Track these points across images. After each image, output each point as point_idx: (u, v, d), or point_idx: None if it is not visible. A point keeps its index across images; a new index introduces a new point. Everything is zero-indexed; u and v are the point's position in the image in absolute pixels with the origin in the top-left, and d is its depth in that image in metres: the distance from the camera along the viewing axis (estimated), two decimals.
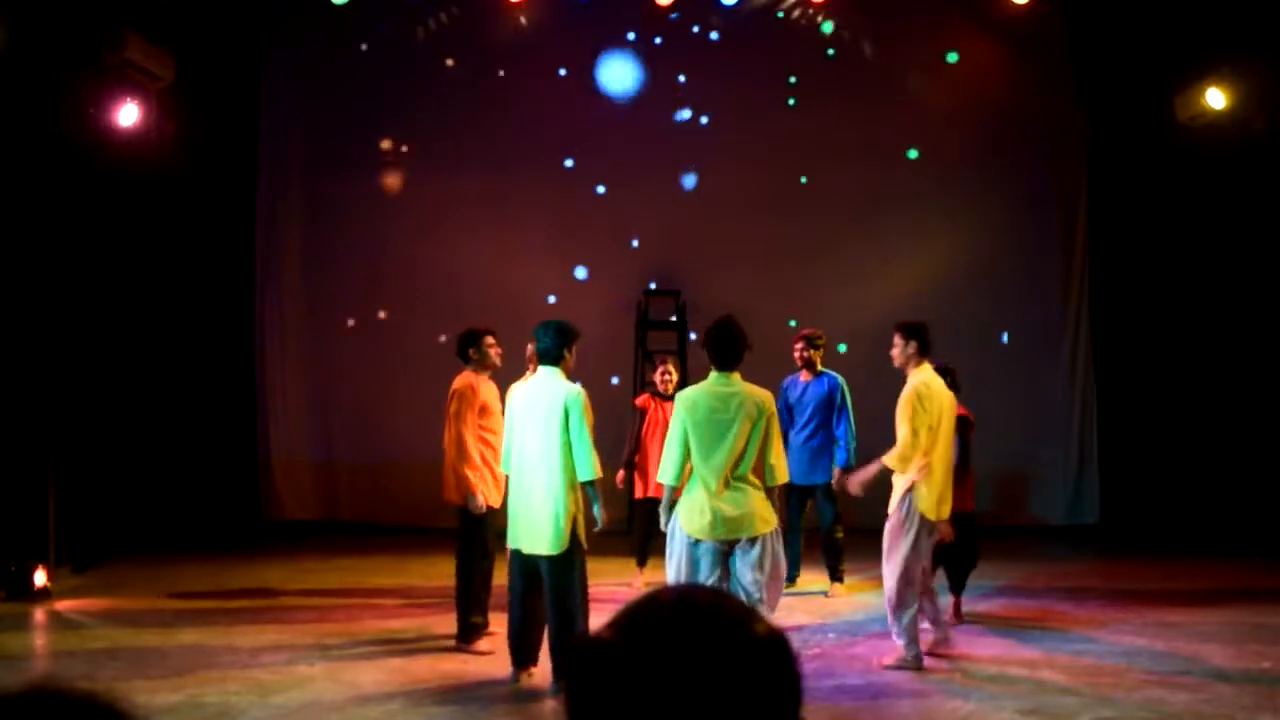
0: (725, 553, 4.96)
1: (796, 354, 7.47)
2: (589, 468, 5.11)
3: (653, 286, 10.39)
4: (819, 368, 7.53)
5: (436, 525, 8.95)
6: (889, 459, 5.49)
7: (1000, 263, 10.39)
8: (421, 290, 10.48)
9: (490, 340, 6.27)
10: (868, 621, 6.72)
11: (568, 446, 5.12)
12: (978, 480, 9.81)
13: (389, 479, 10.34)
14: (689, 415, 4.87)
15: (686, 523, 4.90)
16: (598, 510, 5.21)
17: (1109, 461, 10.27)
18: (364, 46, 10.38)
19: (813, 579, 7.88)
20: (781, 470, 4.95)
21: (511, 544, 5.27)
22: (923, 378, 5.55)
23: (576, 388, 5.20)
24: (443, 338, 10.21)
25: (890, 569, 5.63)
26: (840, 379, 7.51)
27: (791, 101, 10.39)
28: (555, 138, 10.45)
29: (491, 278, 10.37)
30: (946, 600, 6.68)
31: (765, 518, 4.92)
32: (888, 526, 5.64)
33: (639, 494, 7.63)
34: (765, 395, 4.94)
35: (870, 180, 10.37)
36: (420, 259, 10.53)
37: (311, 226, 10.65)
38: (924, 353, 5.61)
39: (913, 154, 10.38)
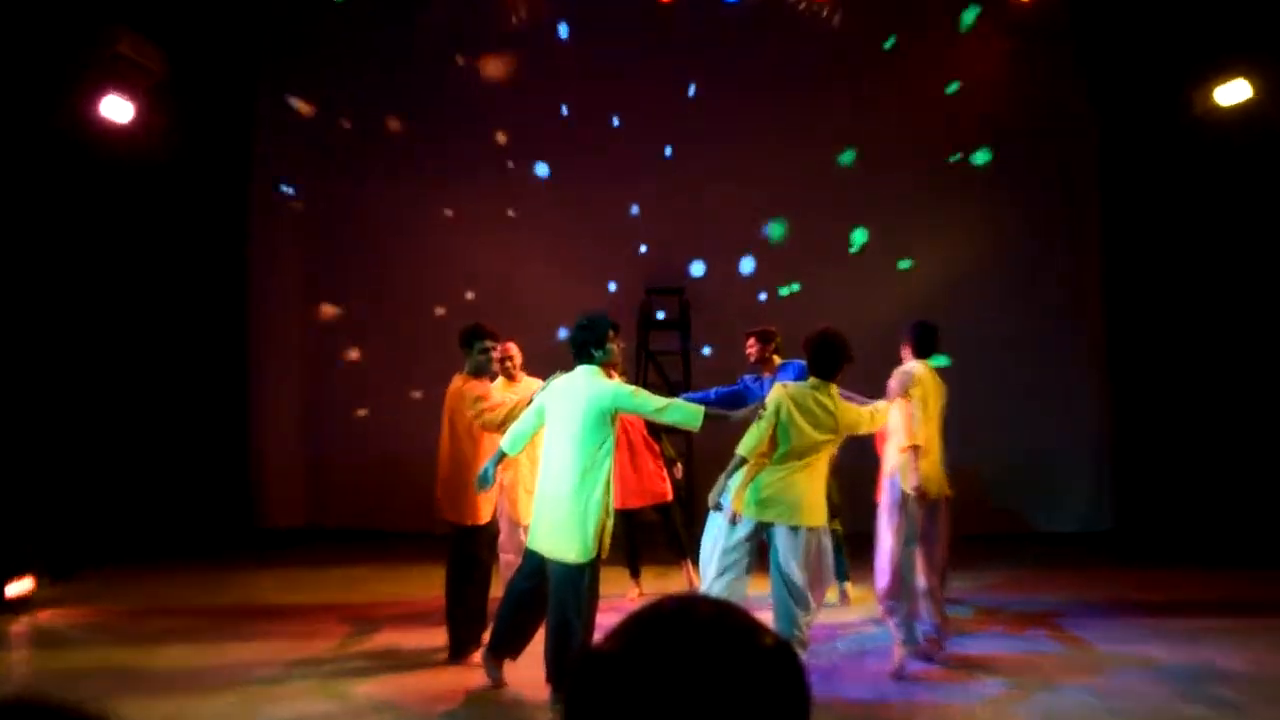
0: (760, 538, 5.17)
1: (751, 353, 7.17)
2: (691, 416, 5.04)
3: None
4: (776, 360, 7.14)
5: (436, 532, 9.04)
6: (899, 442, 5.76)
7: (1010, 259, 10.37)
8: (418, 288, 10.49)
9: (489, 344, 6.13)
10: (880, 633, 6.64)
11: (599, 451, 5.06)
12: (986, 484, 9.90)
13: (385, 484, 10.32)
14: (791, 405, 5.19)
15: (735, 498, 5.13)
16: (744, 411, 5.28)
17: (1124, 466, 10.23)
18: (362, 42, 10.36)
19: None
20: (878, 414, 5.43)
21: (530, 544, 5.23)
22: (909, 365, 6.08)
23: (613, 383, 5.19)
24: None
25: (880, 558, 5.86)
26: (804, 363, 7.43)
27: (796, 96, 10.36)
28: (558, 135, 10.43)
29: (491, 276, 10.36)
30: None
31: (814, 510, 5.15)
32: (879, 514, 5.91)
33: (616, 504, 7.51)
34: (856, 414, 5.32)
35: (878, 176, 10.28)
36: (417, 256, 10.54)
37: (305, 222, 10.67)
38: (916, 353, 6.11)
39: (919, 149, 10.35)
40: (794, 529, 5.10)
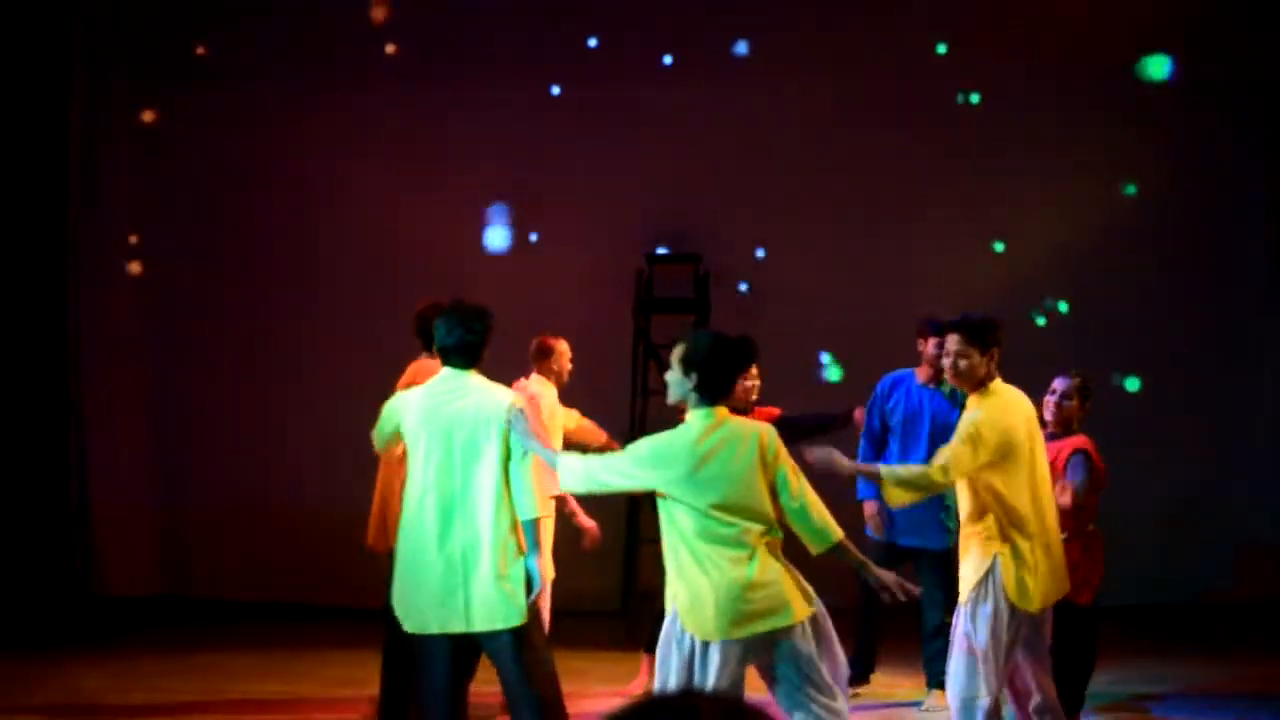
0: (753, 655, 5.18)
1: (932, 354, 7.29)
2: (531, 503, 5.42)
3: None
4: None
5: (341, 603, 9.27)
6: (900, 472, 5.66)
7: (1183, 206, 10.39)
8: (317, 259, 10.57)
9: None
10: None
11: (504, 480, 5.42)
12: (1166, 546, 9.97)
13: (270, 536, 10.37)
14: (679, 469, 5.15)
15: (694, 620, 5.11)
16: (535, 566, 5.47)
17: None
18: None
19: (899, 682, 7.86)
20: (830, 525, 5.25)
21: (421, 626, 5.46)
22: (997, 399, 5.75)
23: (514, 394, 5.58)
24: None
25: (952, 683, 5.77)
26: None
27: None
28: (516, 30, 10.45)
29: (420, 236, 10.35)
30: None
31: (800, 594, 5.13)
32: (955, 619, 5.79)
33: None
34: (763, 427, 5.28)
35: (988, 94, 10.40)
36: (315, 212, 10.58)
37: (152, 167, 10.67)
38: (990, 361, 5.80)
39: (1054, 63, 10.36)
40: (788, 630, 5.12)
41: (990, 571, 5.62)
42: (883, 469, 5.74)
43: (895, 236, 10.39)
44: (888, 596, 5.35)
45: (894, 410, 7.60)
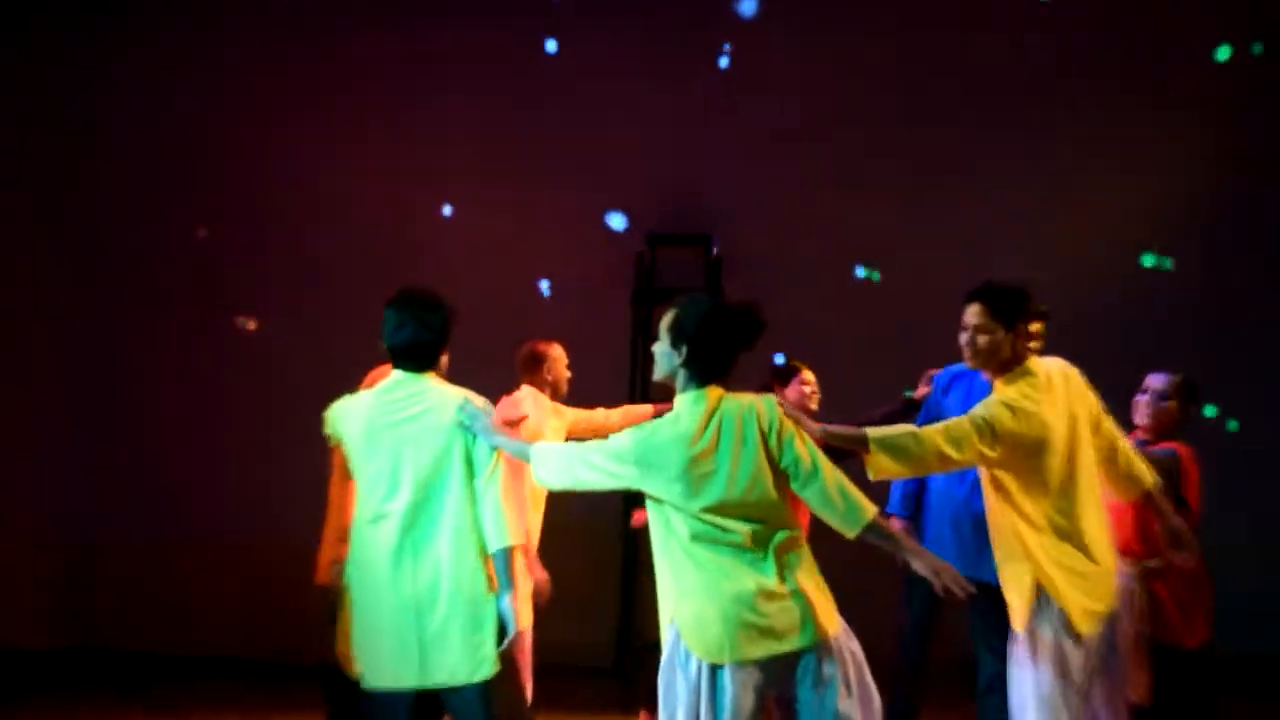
0: (770, 682, 4.94)
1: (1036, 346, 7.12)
2: (504, 529, 5.24)
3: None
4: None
5: (282, 658, 9.14)
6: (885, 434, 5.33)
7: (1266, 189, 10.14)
8: (262, 238, 10.36)
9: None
10: None
11: (469, 505, 5.25)
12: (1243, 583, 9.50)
13: (195, 575, 10.13)
14: (670, 470, 4.98)
15: (699, 639, 4.93)
16: (508, 606, 5.28)
17: None
18: None
19: None
20: (860, 501, 4.95)
21: (378, 679, 5.28)
22: (1027, 385, 5.47)
23: (469, 395, 5.39)
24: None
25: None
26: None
27: None
28: None
29: (389, 211, 10.20)
30: None
31: (824, 608, 4.94)
32: (1012, 649, 5.60)
33: None
34: (760, 400, 5.12)
35: (1033, 63, 10.20)
36: (261, 179, 10.34)
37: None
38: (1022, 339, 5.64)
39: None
40: (810, 649, 4.87)
41: (1041, 596, 5.48)
42: (869, 431, 5.36)
43: (960, 213, 10.04)
44: (938, 587, 4.99)
45: (951, 410, 7.20)
